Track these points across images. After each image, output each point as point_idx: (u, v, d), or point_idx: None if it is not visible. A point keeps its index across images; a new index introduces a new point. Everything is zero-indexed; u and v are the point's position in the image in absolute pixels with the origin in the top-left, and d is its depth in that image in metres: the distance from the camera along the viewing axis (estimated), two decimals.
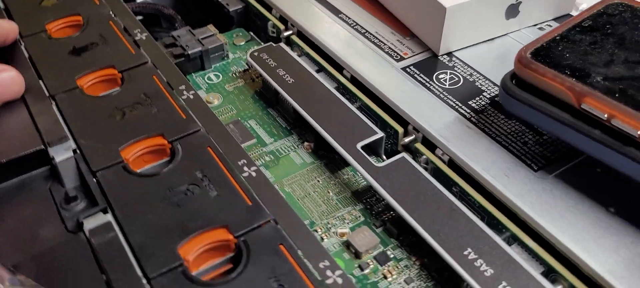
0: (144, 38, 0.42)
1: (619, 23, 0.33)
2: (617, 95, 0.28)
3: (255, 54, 0.40)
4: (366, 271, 0.30)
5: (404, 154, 0.33)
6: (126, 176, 0.32)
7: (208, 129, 0.35)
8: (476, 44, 0.40)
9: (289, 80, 0.38)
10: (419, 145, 0.34)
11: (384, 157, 0.35)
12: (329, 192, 0.34)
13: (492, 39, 0.40)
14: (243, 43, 0.45)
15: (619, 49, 0.31)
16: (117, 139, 0.34)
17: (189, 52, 0.41)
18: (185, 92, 0.37)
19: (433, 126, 0.34)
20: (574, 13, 0.43)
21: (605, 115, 0.28)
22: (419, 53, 0.39)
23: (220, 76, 0.42)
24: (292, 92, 0.37)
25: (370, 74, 0.38)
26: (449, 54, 0.39)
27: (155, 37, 0.46)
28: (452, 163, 0.32)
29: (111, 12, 0.44)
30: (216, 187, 0.31)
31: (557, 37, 0.32)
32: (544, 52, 0.31)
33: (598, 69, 0.30)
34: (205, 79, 0.42)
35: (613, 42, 0.32)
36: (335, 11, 0.44)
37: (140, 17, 0.54)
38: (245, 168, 0.32)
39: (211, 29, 0.44)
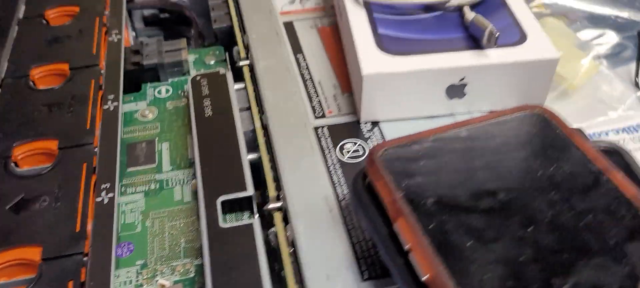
0: (116, 40, 0.44)
1: (514, 138, 0.28)
2: (431, 226, 0.24)
3: (197, 78, 0.40)
4: None
5: (253, 221, 0.31)
6: (1, 172, 0.34)
7: (104, 144, 0.36)
8: (411, 118, 0.36)
9: (207, 113, 0.38)
10: (276, 215, 0.32)
11: (255, 217, 0.34)
12: (181, 238, 0.33)
13: (434, 116, 0.36)
14: (213, 62, 0.45)
15: (486, 171, 0.26)
16: (20, 133, 0.36)
17: (144, 63, 0.42)
18: (109, 102, 0.39)
19: (297, 199, 0.31)
20: None
21: (408, 246, 0.24)
22: (345, 114, 0.37)
23: (170, 91, 0.43)
24: (201, 125, 0.37)
25: (278, 125, 0.36)
26: (375, 123, 0.36)
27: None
28: (293, 245, 0.30)
29: (107, 9, 0.47)
30: (62, 204, 0.32)
31: (431, 138, 0.28)
32: (401, 153, 0.28)
33: (440, 190, 0.26)
34: (155, 92, 0.42)
35: (487, 161, 0.27)
36: (297, 49, 0.42)
37: (165, 15, 0.57)
38: (103, 194, 0.33)
39: (182, 43, 0.44)
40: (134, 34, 0.56)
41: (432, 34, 0.36)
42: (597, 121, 0.51)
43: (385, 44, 0.35)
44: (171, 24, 0.57)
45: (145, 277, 0.31)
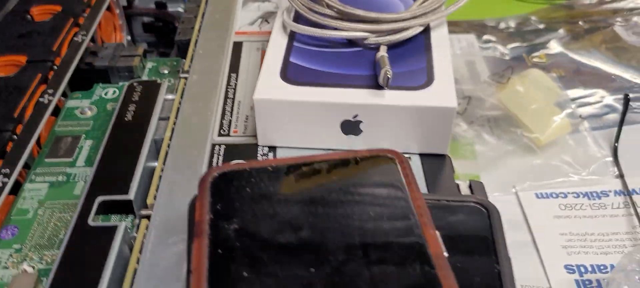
0: (80, 40, 0.47)
1: (352, 178, 0.28)
2: (219, 252, 0.24)
3: (134, 84, 0.42)
4: None
5: (119, 224, 0.32)
6: None
7: (26, 132, 0.38)
8: (309, 148, 0.36)
9: (128, 118, 0.40)
10: (143, 221, 0.33)
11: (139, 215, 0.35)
12: (62, 231, 0.35)
13: (332, 149, 0.36)
14: (166, 72, 0.47)
15: (306, 207, 0.26)
16: None
17: (95, 64, 0.45)
18: (47, 96, 0.41)
19: (163, 210, 0.32)
20: None
21: (191, 266, 0.24)
22: (248, 136, 0.37)
23: (116, 93, 0.45)
24: (116, 128, 0.39)
25: (180, 137, 0.37)
26: (273, 148, 0.36)
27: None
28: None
29: (86, 12, 0.50)
30: None
31: (270, 168, 0.28)
32: (234, 178, 0.28)
33: (249, 219, 0.26)
34: (103, 92, 0.45)
35: (311, 197, 0.27)
36: (234, 68, 0.43)
37: (160, 24, 0.60)
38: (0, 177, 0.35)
39: (138, 51, 0.47)
40: (128, 38, 0.60)
41: (342, 69, 0.36)
42: (555, 181, 0.48)
43: (289, 72, 0.36)
44: (165, 33, 0.60)
45: (13, 261, 0.33)
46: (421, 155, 0.36)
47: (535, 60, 0.60)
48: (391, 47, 0.37)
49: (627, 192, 0.47)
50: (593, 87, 0.55)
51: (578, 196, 0.48)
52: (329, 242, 0.24)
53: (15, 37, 0.47)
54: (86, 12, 0.50)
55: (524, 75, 0.54)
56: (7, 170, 0.35)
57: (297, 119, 0.35)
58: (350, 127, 0.35)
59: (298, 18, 0.40)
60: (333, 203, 0.26)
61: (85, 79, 0.45)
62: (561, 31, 0.63)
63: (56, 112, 0.43)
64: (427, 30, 0.39)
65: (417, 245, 0.24)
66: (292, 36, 0.39)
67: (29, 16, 0.50)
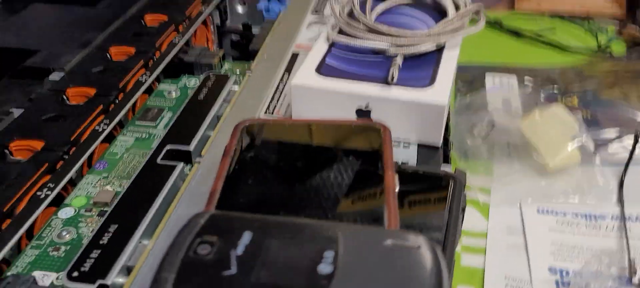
0: (176, 41, 0.60)
1: (344, 137, 0.37)
2: (235, 167, 0.34)
3: (210, 75, 0.54)
4: None
5: (180, 164, 0.43)
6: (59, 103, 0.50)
7: (124, 100, 0.51)
8: None
9: (200, 98, 0.51)
10: (196, 164, 0.43)
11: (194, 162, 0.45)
12: (138, 168, 0.46)
13: None
14: (238, 72, 0.58)
15: (304, 147, 0.36)
16: (78, 81, 0.52)
17: (184, 59, 0.57)
18: (145, 77, 0.54)
19: (210, 156, 0.43)
20: None
21: (216, 173, 0.34)
22: (287, 117, 0.47)
23: (197, 83, 0.56)
24: (190, 103, 0.50)
25: (235, 111, 0.48)
26: None
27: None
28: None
29: (186, 22, 0.63)
30: (71, 121, 0.47)
31: (286, 124, 0.38)
32: (259, 126, 0.38)
33: (262, 150, 0.36)
34: (187, 81, 0.57)
35: (310, 143, 0.36)
36: (288, 70, 0.54)
37: (244, 41, 0.72)
38: (100, 126, 0.47)
39: (219, 53, 0.59)
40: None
41: (365, 71, 0.45)
42: (557, 201, 0.54)
43: (323, 69, 0.45)
44: (247, 49, 0.72)
45: (101, 184, 0.44)
46: (419, 145, 0.44)
47: (568, 104, 0.66)
48: (408, 57, 0.46)
49: (623, 218, 0.52)
50: (613, 127, 0.61)
51: (576, 216, 0.53)
52: (315, 170, 0.34)
53: (131, 35, 0.60)
54: (185, 22, 0.63)
55: (547, 109, 0.60)
56: (107, 121, 0.48)
57: (323, 104, 0.44)
58: (363, 115, 0.44)
59: (340, 33, 0.50)
60: (327, 150, 0.36)
61: (176, 70, 0.58)
62: (597, 80, 0.69)
63: (150, 91, 0.55)
64: (442, 47, 0.48)
65: (377, 178, 0.33)
66: (333, 45, 0.49)
67: (142, 21, 0.63)
